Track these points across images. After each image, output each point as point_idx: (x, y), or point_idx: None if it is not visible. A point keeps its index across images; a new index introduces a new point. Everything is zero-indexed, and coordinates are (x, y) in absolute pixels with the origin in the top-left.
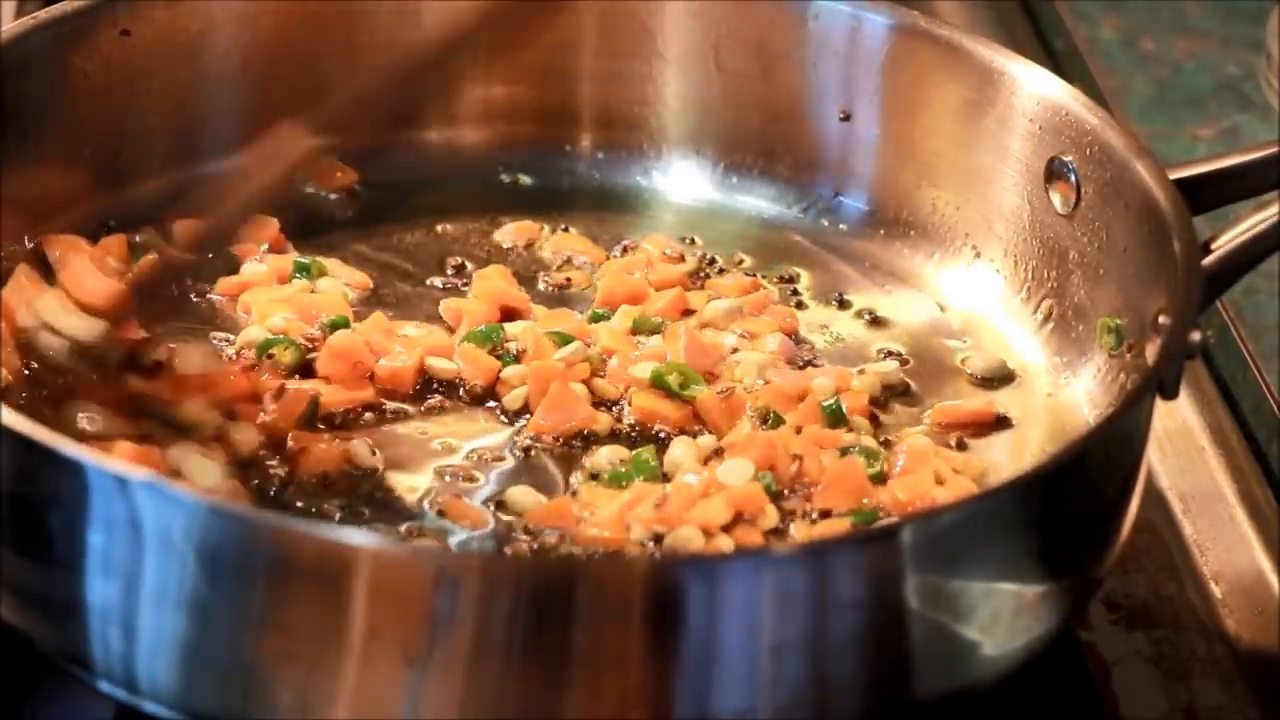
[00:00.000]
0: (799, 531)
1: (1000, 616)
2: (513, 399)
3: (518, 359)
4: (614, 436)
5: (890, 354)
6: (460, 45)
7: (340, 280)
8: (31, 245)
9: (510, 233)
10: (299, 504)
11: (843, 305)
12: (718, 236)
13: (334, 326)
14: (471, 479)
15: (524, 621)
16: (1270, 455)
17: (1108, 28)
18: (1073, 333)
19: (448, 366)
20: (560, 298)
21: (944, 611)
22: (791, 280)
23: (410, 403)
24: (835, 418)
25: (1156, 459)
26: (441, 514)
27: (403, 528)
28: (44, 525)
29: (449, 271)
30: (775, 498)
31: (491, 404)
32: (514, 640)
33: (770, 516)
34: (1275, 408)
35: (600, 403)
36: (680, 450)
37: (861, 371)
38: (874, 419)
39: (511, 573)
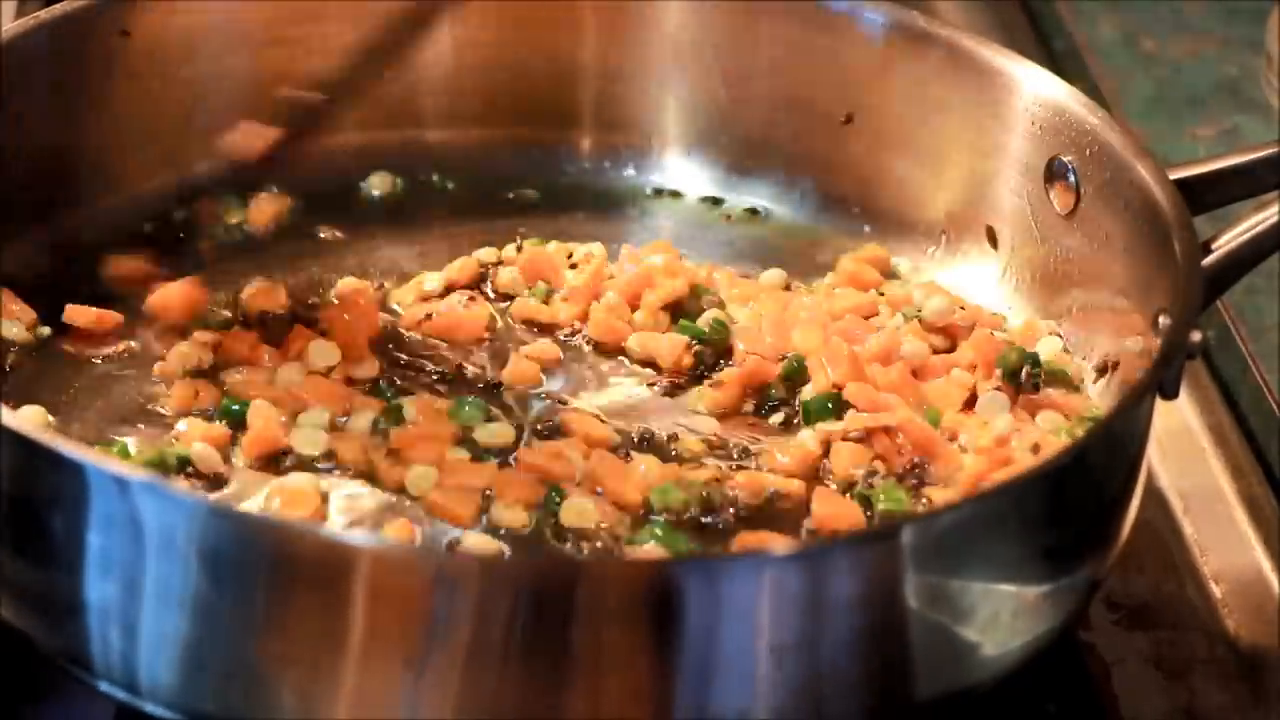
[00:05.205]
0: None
1: (1000, 617)
2: None
3: None
4: None
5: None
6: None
7: None
8: None
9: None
10: None
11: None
12: (717, 237)
13: None
14: None
15: (523, 622)
16: (1270, 455)
17: (1107, 28)
18: (1072, 333)
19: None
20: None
21: (944, 612)
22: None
23: None
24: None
25: (1156, 459)
26: None
27: None
28: (44, 525)
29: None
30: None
31: None
32: (513, 641)
33: None
34: (1275, 408)
35: None
36: None
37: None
38: None
39: (510, 573)
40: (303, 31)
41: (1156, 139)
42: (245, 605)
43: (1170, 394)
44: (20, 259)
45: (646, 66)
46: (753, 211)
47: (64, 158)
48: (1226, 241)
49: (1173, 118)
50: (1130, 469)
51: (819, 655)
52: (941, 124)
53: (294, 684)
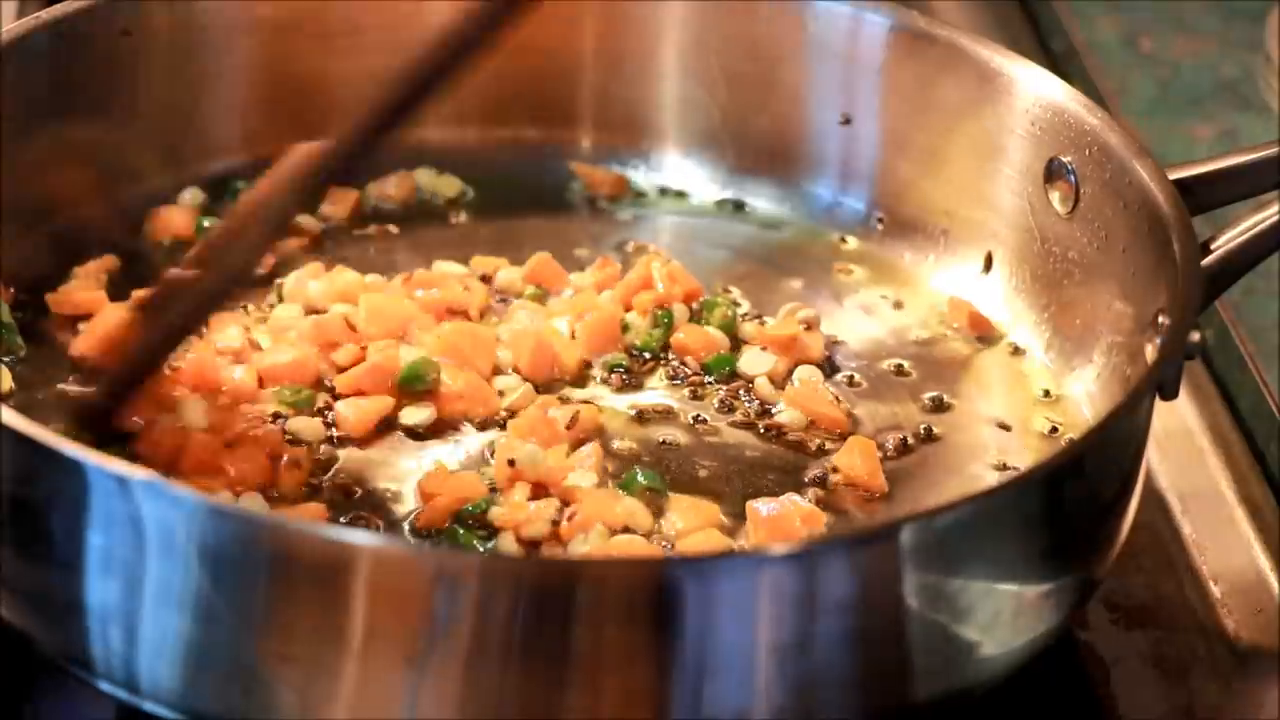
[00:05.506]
0: None
1: (1000, 616)
2: None
3: None
4: None
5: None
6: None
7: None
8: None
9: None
10: None
11: (843, 306)
12: (717, 238)
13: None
14: None
15: (523, 622)
16: (1269, 455)
17: (1107, 28)
18: (1072, 333)
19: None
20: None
21: (943, 612)
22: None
23: None
24: None
25: (1156, 459)
26: None
27: None
28: (44, 525)
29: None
30: None
31: None
32: (513, 641)
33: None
34: (1274, 408)
35: None
36: None
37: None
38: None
39: (510, 573)
40: (305, 30)
41: (1156, 139)
42: (245, 605)
43: (1169, 394)
44: (20, 259)
45: (646, 66)
46: (752, 212)
47: (64, 157)
48: (1226, 241)
49: (1173, 118)
50: (1129, 469)
51: (818, 655)
52: (941, 124)
53: (294, 684)
